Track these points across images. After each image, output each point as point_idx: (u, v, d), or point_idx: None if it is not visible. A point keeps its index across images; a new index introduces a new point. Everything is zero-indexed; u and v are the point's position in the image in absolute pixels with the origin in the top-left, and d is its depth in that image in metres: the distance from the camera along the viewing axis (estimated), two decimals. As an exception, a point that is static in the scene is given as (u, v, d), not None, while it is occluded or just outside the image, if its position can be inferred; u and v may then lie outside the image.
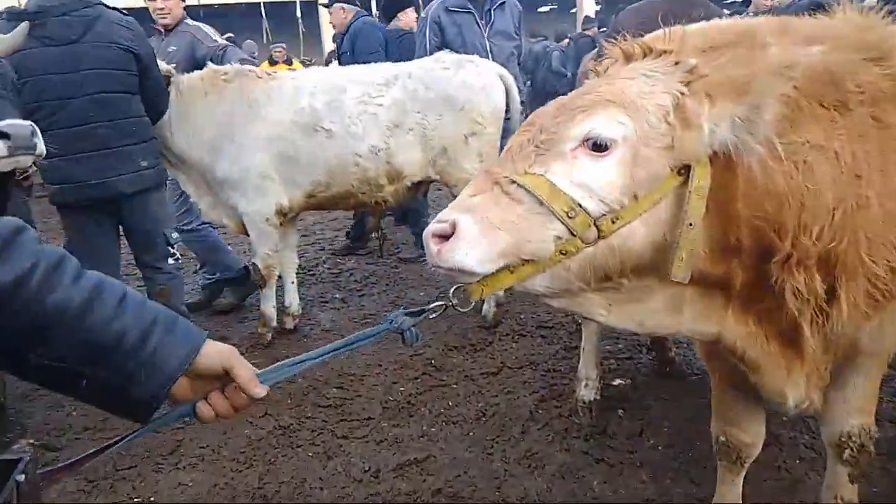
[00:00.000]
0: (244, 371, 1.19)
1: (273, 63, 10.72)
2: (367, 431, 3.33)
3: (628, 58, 1.52)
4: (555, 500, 2.74)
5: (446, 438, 3.22)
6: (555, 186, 1.36)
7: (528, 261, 1.37)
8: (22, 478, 0.96)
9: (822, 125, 1.47)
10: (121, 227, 3.90)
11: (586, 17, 16.01)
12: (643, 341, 3.98)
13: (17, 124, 2.44)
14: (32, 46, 3.35)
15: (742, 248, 1.49)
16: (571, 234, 1.36)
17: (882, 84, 1.50)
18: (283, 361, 1.30)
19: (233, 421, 3.23)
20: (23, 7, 3.57)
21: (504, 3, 5.51)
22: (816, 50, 1.49)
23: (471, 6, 5.39)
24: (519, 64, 5.80)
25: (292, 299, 4.70)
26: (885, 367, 2.00)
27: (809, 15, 1.72)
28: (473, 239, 1.32)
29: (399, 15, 6.66)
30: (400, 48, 6.24)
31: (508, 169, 1.41)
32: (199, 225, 4.95)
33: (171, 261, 3.98)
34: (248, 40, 13.42)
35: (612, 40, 1.58)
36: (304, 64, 12.78)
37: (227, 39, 5.47)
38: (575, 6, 23.55)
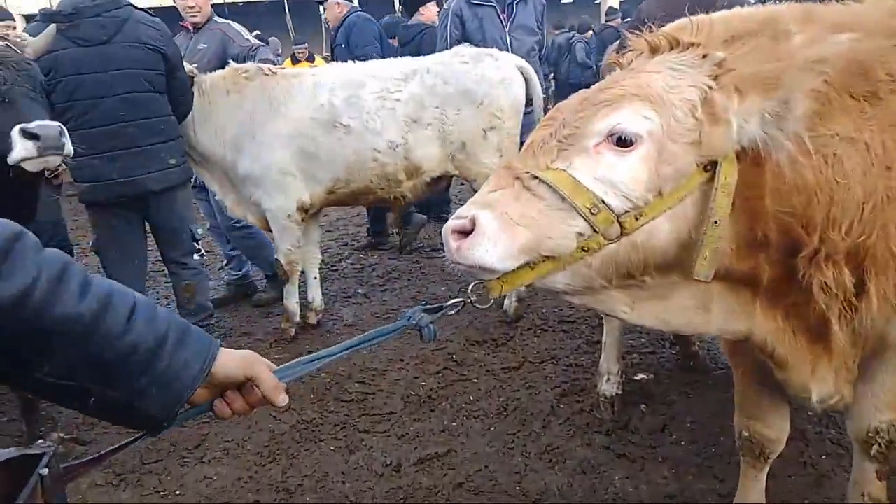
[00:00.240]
0: (268, 380, 1.18)
1: (295, 62, 10.75)
2: (388, 426, 3.35)
3: (654, 50, 1.49)
4: (575, 496, 2.73)
5: (467, 433, 3.22)
6: (577, 182, 1.34)
7: (548, 257, 1.35)
8: (45, 472, 0.96)
9: (853, 116, 1.43)
10: (147, 224, 3.96)
11: (610, 7, 15.81)
12: (666, 336, 3.94)
13: (47, 125, 2.48)
14: (66, 47, 3.42)
15: (769, 244, 1.47)
16: (594, 230, 1.34)
17: None
18: (300, 358, 1.30)
19: (256, 415, 3.27)
20: (56, 8, 3.63)
21: None
22: (846, 38, 1.45)
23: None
24: (540, 59, 5.76)
25: (315, 294, 4.73)
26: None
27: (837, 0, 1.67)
28: (494, 235, 1.31)
29: (421, 10, 6.68)
30: (422, 43, 6.24)
31: (530, 164, 1.39)
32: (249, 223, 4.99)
33: (196, 257, 4.05)
34: (273, 38, 13.48)
35: (637, 31, 1.56)
36: (327, 60, 12.79)
37: (256, 37, 5.50)
38: (598, -4, 23.27)
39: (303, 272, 4.66)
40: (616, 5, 17.30)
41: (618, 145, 1.36)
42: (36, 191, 2.78)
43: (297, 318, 4.57)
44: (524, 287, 1.41)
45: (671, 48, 1.46)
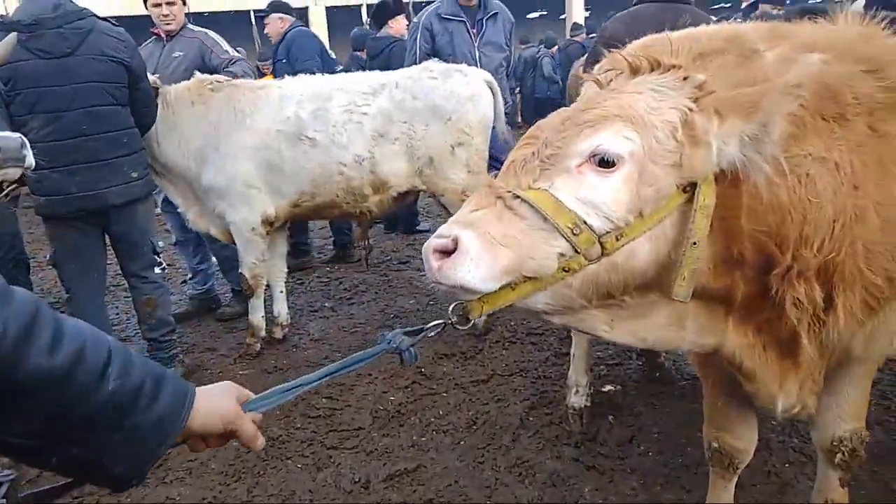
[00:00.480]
0: (248, 431, 1.17)
1: (261, 76, 10.69)
2: (356, 442, 3.31)
3: (635, 71, 1.50)
4: (547, 509, 2.74)
5: (437, 448, 3.21)
6: (560, 202, 1.34)
7: (529, 278, 1.35)
8: (3, 502, 0.93)
9: (823, 137, 1.48)
10: (106, 237, 3.86)
11: (575, 23, 16.09)
12: (633, 347, 4.00)
13: (7, 136, 2.41)
14: (27, 59, 3.33)
15: (745, 262, 1.50)
16: (575, 251, 1.34)
17: (877, 95, 1.51)
18: (277, 387, 1.28)
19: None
20: (12, 16, 3.52)
21: (497, 14, 5.55)
22: (817, 59, 1.50)
23: (463, 15, 5.43)
24: (508, 76, 5.84)
25: (281, 309, 4.66)
26: (875, 371, 2.03)
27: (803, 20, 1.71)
28: (476, 255, 1.29)
29: (390, 22, 6.71)
30: (391, 55, 6.26)
31: (512, 183, 1.39)
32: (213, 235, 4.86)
33: (157, 270, 3.95)
34: (239, 48, 13.32)
35: (613, 49, 1.57)
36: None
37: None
38: (564, 12, 23.66)
39: (268, 286, 4.59)
40: (581, 21, 17.65)
41: (600, 166, 1.36)
42: (-6, 203, 2.70)
43: (263, 333, 4.49)
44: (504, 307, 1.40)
45: (652, 69, 1.47)
